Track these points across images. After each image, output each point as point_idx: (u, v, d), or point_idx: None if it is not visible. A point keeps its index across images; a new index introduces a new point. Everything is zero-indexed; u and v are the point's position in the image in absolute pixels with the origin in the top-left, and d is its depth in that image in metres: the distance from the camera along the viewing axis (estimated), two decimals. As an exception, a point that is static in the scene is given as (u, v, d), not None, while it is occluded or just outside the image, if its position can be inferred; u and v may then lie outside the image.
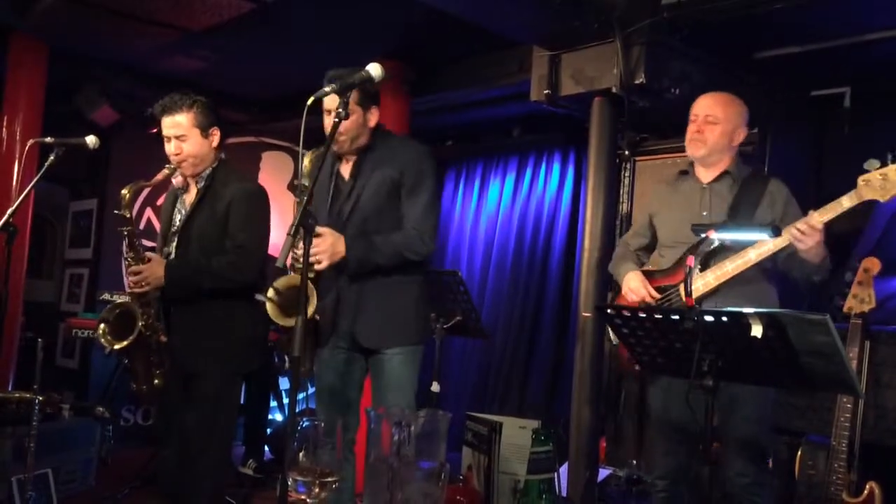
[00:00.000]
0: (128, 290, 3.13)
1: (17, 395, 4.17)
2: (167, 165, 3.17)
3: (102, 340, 3.06)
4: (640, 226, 3.33)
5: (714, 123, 3.01)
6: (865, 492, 3.16)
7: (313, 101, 2.26)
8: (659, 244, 3.20)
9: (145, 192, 6.27)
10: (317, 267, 2.78)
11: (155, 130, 6.38)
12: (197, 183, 3.23)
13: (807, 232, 2.64)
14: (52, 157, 3.32)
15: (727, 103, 3.06)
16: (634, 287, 3.08)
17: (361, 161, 3.00)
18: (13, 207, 3.30)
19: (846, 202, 2.64)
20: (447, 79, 5.35)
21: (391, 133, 3.14)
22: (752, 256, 2.82)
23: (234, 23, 4.69)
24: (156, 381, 3.17)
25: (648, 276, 3.13)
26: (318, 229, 2.71)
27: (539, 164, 6.13)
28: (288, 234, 2.16)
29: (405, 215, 3.00)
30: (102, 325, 3.08)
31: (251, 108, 6.60)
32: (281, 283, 2.76)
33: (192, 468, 3.15)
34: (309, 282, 2.72)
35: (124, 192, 3.08)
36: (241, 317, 3.20)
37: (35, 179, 3.50)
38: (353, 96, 2.87)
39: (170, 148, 3.15)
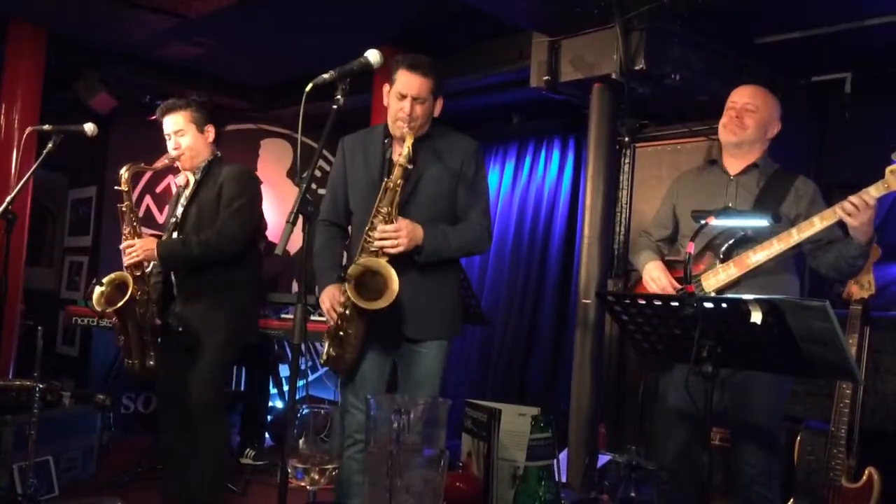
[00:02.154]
0: (125, 265, 3.32)
1: (17, 382, 4.19)
2: (167, 155, 3.40)
3: (96, 305, 3.26)
4: (662, 216, 3.25)
5: (753, 112, 2.98)
6: (864, 477, 3.17)
7: (312, 87, 2.26)
8: (680, 234, 3.15)
9: (146, 177, 6.30)
10: (393, 251, 2.76)
11: (153, 118, 6.42)
12: (194, 175, 3.44)
13: (860, 207, 2.59)
14: (50, 145, 3.35)
15: (766, 95, 3.05)
16: (656, 276, 3.03)
17: (419, 149, 2.93)
18: (12, 195, 3.31)
19: (874, 192, 2.58)
20: (447, 66, 5.31)
21: (442, 124, 3.08)
22: (775, 245, 2.76)
23: (232, 9, 4.67)
24: (149, 363, 3.33)
25: (669, 266, 3.08)
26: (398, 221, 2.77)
27: (539, 151, 6.12)
28: (287, 222, 2.15)
29: (467, 210, 2.98)
30: (100, 290, 3.27)
31: (250, 94, 6.58)
32: (359, 266, 2.77)
33: (196, 444, 3.34)
34: (390, 266, 2.73)
35: (122, 170, 3.35)
36: (235, 292, 3.37)
37: (34, 167, 3.50)
38: (431, 85, 2.89)
39: (170, 144, 3.40)
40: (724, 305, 2.21)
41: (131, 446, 4.99)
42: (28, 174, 3.54)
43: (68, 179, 7.06)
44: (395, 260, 2.79)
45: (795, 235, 2.73)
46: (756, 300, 2.13)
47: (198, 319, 3.33)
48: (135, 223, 3.35)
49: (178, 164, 3.41)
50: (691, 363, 2.26)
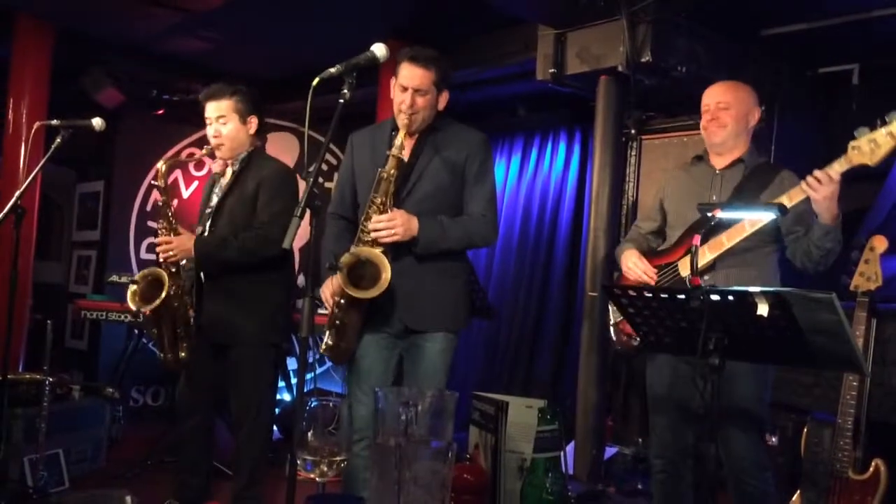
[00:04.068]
0: (160, 259, 3.32)
1: (27, 376, 4.23)
2: (206, 146, 3.42)
3: (131, 303, 3.26)
4: (651, 209, 3.31)
5: (727, 108, 3.01)
6: (871, 469, 3.17)
7: (319, 82, 2.26)
8: (667, 226, 3.20)
9: (153, 170, 6.30)
10: (387, 240, 2.76)
11: (161, 112, 6.45)
12: (232, 166, 3.40)
13: (823, 180, 2.61)
14: (58, 140, 3.37)
15: (736, 88, 3.07)
16: (631, 265, 3.09)
17: (423, 142, 2.94)
18: (21, 189, 3.32)
19: (837, 167, 2.62)
20: (452, 58, 5.32)
21: (449, 117, 3.07)
22: (747, 228, 2.80)
23: (236, 3, 4.68)
24: (182, 354, 3.34)
25: (651, 255, 3.14)
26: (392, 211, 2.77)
27: (545, 144, 6.11)
28: (294, 216, 2.16)
29: (471, 201, 2.97)
30: (133, 288, 3.27)
31: (256, 89, 6.58)
32: (352, 256, 2.78)
33: (237, 441, 3.35)
34: (382, 254, 2.74)
35: (160, 164, 3.37)
36: (269, 290, 3.34)
37: (42, 161, 3.52)
38: (433, 77, 2.87)
39: (210, 131, 3.36)
40: (730, 298, 2.22)
41: (140, 439, 5.01)
42: (37, 169, 3.55)
43: (76, 174, 7.09)
44: (397, 251, 2.81)
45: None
46: (762, 292, 2.14)
47: (225, 320, 3.29)
48: (171, 218, 3.32)
49: (216, 152, 3.39)
50: (698, 355, 2.27)
